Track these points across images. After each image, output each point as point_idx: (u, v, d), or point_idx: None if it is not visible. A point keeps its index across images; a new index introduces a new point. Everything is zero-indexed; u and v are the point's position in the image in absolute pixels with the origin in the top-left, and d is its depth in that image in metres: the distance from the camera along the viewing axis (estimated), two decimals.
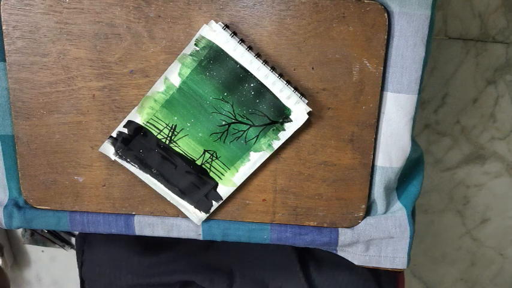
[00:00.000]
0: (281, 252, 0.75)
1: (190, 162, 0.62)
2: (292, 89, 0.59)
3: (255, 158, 0.62)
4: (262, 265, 0.77)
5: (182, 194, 0.64)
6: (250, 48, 0.58)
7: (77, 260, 0.79)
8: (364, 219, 0.66)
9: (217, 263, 0.77)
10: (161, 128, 0.61)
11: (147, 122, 0.61)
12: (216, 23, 0.57)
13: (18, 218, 0.65)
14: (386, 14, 0.58)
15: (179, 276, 0.75)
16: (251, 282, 0.77)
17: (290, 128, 0.60)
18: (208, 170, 0.63)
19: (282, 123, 0.60)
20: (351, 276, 0.74)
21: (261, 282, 0.78)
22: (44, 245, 1.31)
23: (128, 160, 0.62)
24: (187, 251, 0.77)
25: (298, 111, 0.59)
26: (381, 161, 0.64)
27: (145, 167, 0.62)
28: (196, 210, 0.64)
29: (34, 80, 0.60)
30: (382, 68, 0.59)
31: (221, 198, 0.64)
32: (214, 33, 0.57)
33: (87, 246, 0.78)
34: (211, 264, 0.77)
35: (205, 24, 0.57)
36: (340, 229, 0.66)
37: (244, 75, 0.58)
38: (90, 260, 0.77)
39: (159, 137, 0.61)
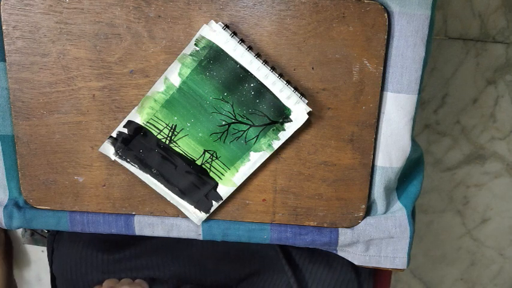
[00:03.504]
0: (262, 246, 0.74)
1: (190, 162, 0.62)
2: (292, 89, 0.59)
3: (255, 158, 0.62)
4: (241, 259, 0.77)
5: (182, 194, 0.64)
6: (250, 48, 0.58)
7: (48, 258, 0.80)
8: (364, 219, 0.66)
9: (188, 257, 0.77)
10: (161, 128, 0.61)
11: (147, 122, 0.61)
12: (216, 23, 0.57)
13: (18, 218, 0.65)
14: (386, 14, 0.58)
15: (147, 272, 0.75)
16: (229, 277, 0.76)
17: (290, 128, 0.60)
18: (208, 170, 0.63)
19: (282, 123, 0.60)
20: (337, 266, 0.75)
21: (239, 276, 0.77)
22: (44, 245, 1.30)
23: (128, 160, 0.62)
24: (154, 247, 0.77)
25: (298, 111, 0.59)
26: (381, 161, 0.64)
27: (145, 167, 0.62)
28: (196, 210, 0.64)
29: (34, 80, 0.60)
30: (382, 68, 0.59)
31: (221, 198, 0.64)
32: (214, 33, 0.57)
33: (56, 244, 0.78)
34: (181, 259, 0.76)
35: (205, 24, 0.57)
36: (340, 229, 0.66)
37: (244, 75, 0.58)
38: (59, 258, 0.77)
39: (159, 137, 0.61)
